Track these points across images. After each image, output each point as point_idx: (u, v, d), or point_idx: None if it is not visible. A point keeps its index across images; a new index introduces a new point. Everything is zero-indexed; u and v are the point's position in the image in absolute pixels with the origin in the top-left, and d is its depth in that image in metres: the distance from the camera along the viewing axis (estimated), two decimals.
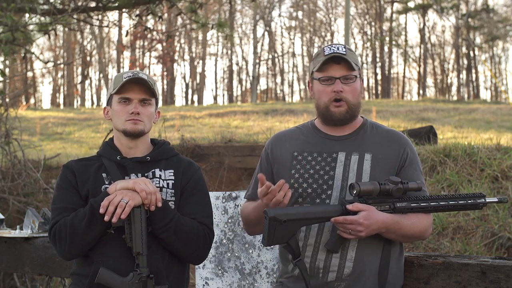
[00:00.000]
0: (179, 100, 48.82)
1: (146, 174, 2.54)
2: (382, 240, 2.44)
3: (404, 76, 48.28)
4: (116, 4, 8.33)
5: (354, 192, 2.35)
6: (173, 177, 2.57)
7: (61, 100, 47.55)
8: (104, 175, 2.52)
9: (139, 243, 2.39)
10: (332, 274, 2.41)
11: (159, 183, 2.53)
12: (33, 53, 8.52)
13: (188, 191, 2.57)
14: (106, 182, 2.51)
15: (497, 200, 2.52)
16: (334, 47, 2.49)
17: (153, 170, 2.56)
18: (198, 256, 2.56)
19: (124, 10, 8.81)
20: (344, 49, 2.49)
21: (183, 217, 2.49)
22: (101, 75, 46.81)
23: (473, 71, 45.13)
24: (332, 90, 2.47)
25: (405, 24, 61.94)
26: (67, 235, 2.40)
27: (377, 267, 2.43)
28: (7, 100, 8.40)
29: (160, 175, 2.55)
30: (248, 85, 49.05)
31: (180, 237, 2.46)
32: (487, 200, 2.49)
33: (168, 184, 2.55)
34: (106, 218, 2.36)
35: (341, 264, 2.41)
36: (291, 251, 2.41)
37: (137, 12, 8.84)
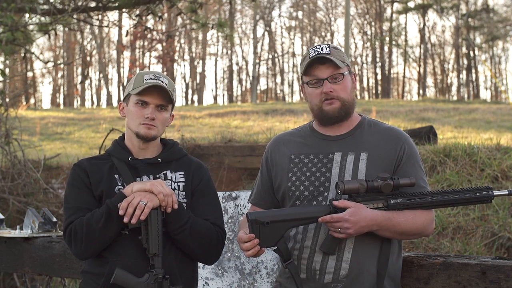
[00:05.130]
0: (179, 100, 48.77)
1: (157, 176, 2.55)
2: (379, 241, 2.42)
3: (404, 76, 48.27)
4: (116, 4, 8.33)
5: (339, 191, 2.34)
6: (183, 179, 2.58)
7: (61, 100, 47.55)
8: (116, 176, 2.54)
9: (155, 244, 2.41)
10: (328, 276, 2.41)
11: (170, 185, 2.55)
12: (33, 53, 8.52)
13: (199, 192, 2.58)
14: (119, 183, 2.52)
15: (507, 192, 2.41)
16: (318, 48, 2.48)
17: (165, 172, 2.57)
18: (212, 256, 2.59)
19: (124, 10, 8.81)
20: (328, 49, 2.47)
21: (197, 218, 2.51)
22: (101, 75, 46.82)
23: (473, 71, 45.10)
24: (321, 92, 2.46)
25: (405, 24, 61.90)
26: (84, 235, 2.42)
27: (375, 267, 2.42)
28: (7, 100, 8.39)
29: (171, 177, 2.57)
30: (248, 85, 49.05)
31: (195, 238, 2.48)
32: (495, 193, 2.41)
33: (179, 186, 2.57)
34: (126, 219, 2.38)
35: (337, 266, 2.40)
36: (280, 254, 2.42)
37: (137, 12, 8.83)
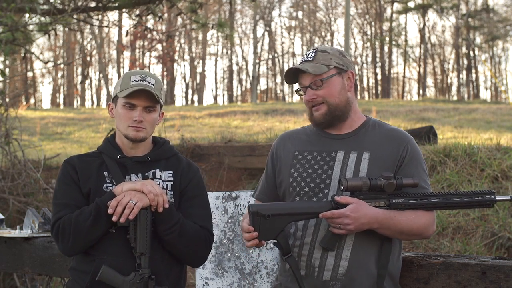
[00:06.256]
0: (179, 100, 48.87)
1: (146, 174, 2.56)
2: (379, 240, 2.43)
3: (404, 76, 48.26)
4: (116, 4, 8.33)
5: (342, 187, 2.35)
6: (172, 178, 2.58)
7: (61, 100, 47.56)
8: (105, 173, 2.54)
9: (143, 244, 2.41)
10: (327, 273, 2.41)
11: (159, 184, 2.55)
12: (33, 53, 8.52)
13: (188, 194, 2.58)
14: (108, 181, 2.52)
15: (509, 197, 2.41)
16: (304, 55, 2.56)
17: (153, 170, 2.57)
18: (198, 259, 2.60)
19: (124, 10, 8.81)
20: (313, 54, 2.53)
21: (187, 221, 2.51)
22: (101, 75, 46.82)
23: (473, 71, 45.10)
24: (306, 99, 2.52)
25: (405, 24, 61.98)
26: (71, 233, 2.42)
27: (374, 266, 2.42)
28: (7, 100, 8.40)
29: (160, 176, 2.57)
30: (248, 85, 49.06)
31: (184, 240, 2.48)
32: (497, 198, 2.41)
33: (167, 185, 2.57)
34: (114, 218, 2.38)
35: (336, 263, 2.41)
36: (280, 247, 2.42)
37: (137, 12, 8.84)
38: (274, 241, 2.41)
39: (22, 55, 8.43)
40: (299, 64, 2.55)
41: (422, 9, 43.92)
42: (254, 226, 2.36)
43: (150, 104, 2.53)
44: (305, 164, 2.52)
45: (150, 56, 45.74)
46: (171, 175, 2.58)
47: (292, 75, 2.57)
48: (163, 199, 2.43)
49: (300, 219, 2.45)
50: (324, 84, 2.49)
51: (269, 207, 2.40)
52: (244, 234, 2.40)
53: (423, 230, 2.42)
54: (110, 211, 2.38)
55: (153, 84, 2.53)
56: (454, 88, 47.42)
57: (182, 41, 45.67)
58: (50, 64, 15.99)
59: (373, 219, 2.34)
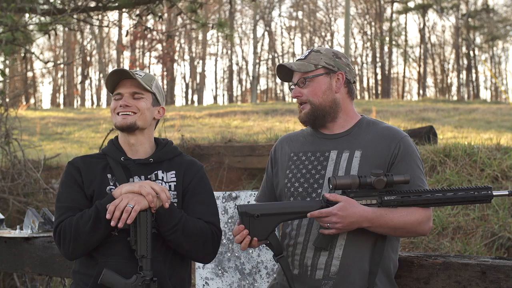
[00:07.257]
0: (179, 100, 48.87)
1: (149, 176, 2.54)
2: (372, 238, 2.41)
3: (404, 76, 48.27)
4: (116, 4, 8.33)
5: (331, 186, 2.34)
6: (175, 179, 2.57)
7: (61, 100, 47.58)
8: (109, 175, 2.52)
9: (144, 246, 2.39)
10: (319, 272, 2.41)
11: (161, 185, 2.53)
12: (33, 53, 8.51)
13: (191, 191, 2.56)
14: (111, 183, 2.51)
15: (507, 193, 2.37)
16: (301, 55, 2.62)
17: (156, 172, 2.55)
18: (207, 255, 2.56)
19: (124, 10, 8.80)
20: (306, 54, 2.59)
21: (190, 217, 2.48)
22: (101, 75, 46.79)
23: (473, 71, 45.12)
24: (292, 96, 2.58)
25: (405, 24, 62.02)
26: (72, 237, 2.40)
27: (367, 265, 2.41)
28: (7, 100, 8.40)
29: (162, 177, 2.55)
30: (248, 85, 49.06)
31: (189, 238, 2.45)
32: (494, 193, 2.37)
33: (170, 186, 2.55)
34: (113, 223, 2.35)
35: (328, 262, 2.40)
36: (272, 248, 2.42)
37: (137, 12, 8.83)
38: (266, 241, 2.41)
39: (22, 55, 8.43)
40: (288, 63, 2.59)
41: (422, 9, 43.92)
42: (245, 227, 2.36)
43: (136, 90, 2.53)
44: (299, 165, 2.53)
45: (150, 56, 45.80)
46: (173, 175, 2.57)
47: (287, 74, 2.60)
48: (166, 195, 2.40)
49: (290, 219, 2.45)
50: (309, 83, 2.52)
51: (258, 207, 2.40)
52: (236, 237, 2.39)
53: (417, 226, 2.39)
54: (108, 216, 2.35)
55: (141, 75, 2.54)
56: (454, 88, 47.47)
57: (182, 41, 45.69)
58: (50, 64, 15.99)
59: (362, 217, 2.33)
